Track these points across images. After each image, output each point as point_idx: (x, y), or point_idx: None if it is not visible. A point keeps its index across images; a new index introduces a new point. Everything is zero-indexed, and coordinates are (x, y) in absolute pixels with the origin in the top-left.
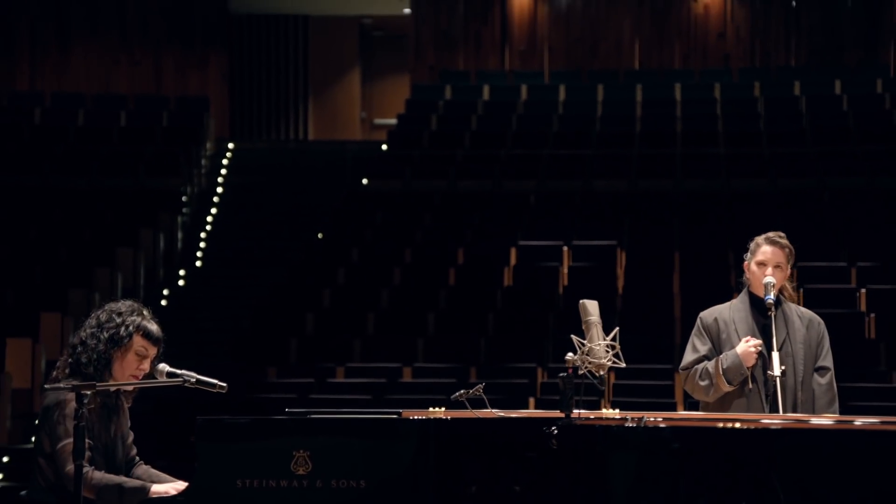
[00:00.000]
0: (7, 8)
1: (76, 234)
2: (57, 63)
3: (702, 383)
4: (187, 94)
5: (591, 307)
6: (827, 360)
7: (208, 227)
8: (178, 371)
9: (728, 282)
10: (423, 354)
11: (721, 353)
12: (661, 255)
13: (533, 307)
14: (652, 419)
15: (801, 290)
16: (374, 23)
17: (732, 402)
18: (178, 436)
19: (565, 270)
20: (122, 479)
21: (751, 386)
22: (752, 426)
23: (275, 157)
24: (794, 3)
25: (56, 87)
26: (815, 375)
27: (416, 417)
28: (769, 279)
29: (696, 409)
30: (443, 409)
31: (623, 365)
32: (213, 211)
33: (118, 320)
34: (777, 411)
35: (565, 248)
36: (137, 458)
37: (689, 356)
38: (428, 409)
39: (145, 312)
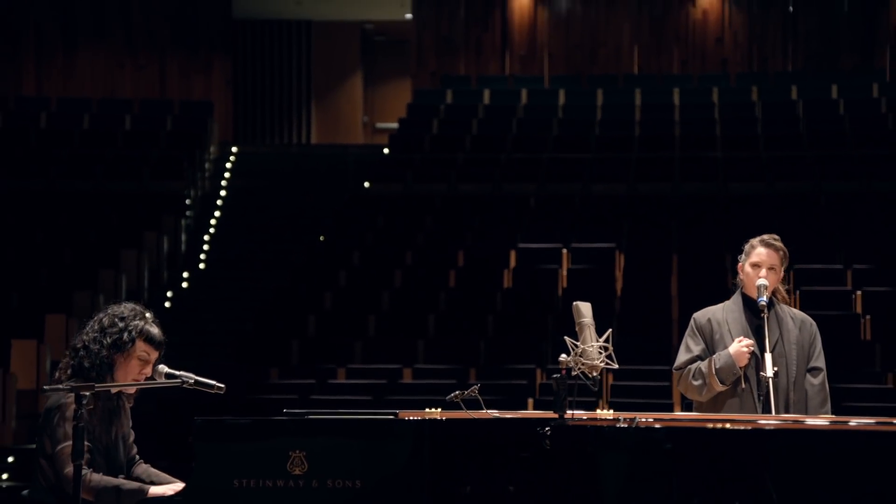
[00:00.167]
0: (13, 14)
1: (81, 236)
2: (63, 68)
3: (695, 383)
4: (191, 99)
5: (585, 309)
6: (819, 361)
7: (211, 230)
8: (177, 372)
9: (725, 284)
10: (423, 356)
11: (714, 353)
12: (660, 258)
13: (532, 309)
14: (644, 420)
15: (798, 292)
16: (376, 28)
17: (725, 402)
18: (181, 436)
19: (564, 273)
20: (119, 480)
21: (743, 386)
22: (745, 426)
23: (278, 160)
24: (791, 9)
25: (62, 91)
26: (808, 376)
27: (411, 418)
28: (762, 281)
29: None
30: (439, 409)
31: (615, 366)
32: (217, 214)
33: (121, 325)
34: (769, 411)
35: (564, 251)
36: (138, 457)
37: (682, 356)
38: (425, 409)
39: (147, 316)
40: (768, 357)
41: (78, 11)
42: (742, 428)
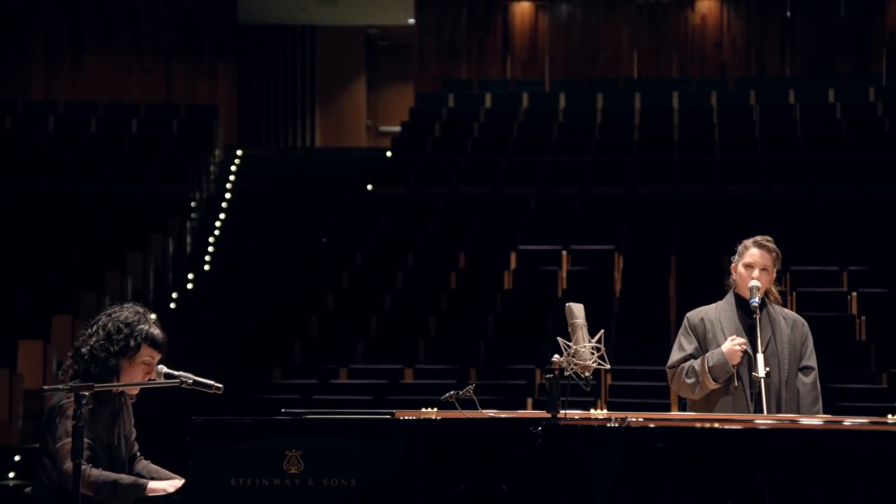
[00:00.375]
0: (22, 19)
1: (88, 238)
2: (70, 72)
3: (688, 381)
4: (197, 103)
5: (577, 310)
6: (811, 360)
7: (216, 232)
8: (176, 372)
9: (723, 285)
10: (424, 356)
11: (707, 352)
12: (658, 260)
13: (532, 310)
14: (635, 419)
15: (794, 293)
16: (380, 33)
17: (718, 401)
18: (182, 435)
19: (564, 274)
20: (118, 476)
21: (736, 384)
22: (737, 426)
23: (282, 163)
24: (788, 14)
25: (69, 95)
26: (800, 375)
27: (406, 418)
28: (755, 283)
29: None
30: (435, 409)
31: (607, 366)
32: (222, 216)
33: (126, 331)
34: (761, 410)
35: (564, 253)
36: (139, 453)
37: (675, 355)
38: (421, 409)
39: (150, 317)
40: (760, 357)
41: (85, 17)
42: (734, 427)
